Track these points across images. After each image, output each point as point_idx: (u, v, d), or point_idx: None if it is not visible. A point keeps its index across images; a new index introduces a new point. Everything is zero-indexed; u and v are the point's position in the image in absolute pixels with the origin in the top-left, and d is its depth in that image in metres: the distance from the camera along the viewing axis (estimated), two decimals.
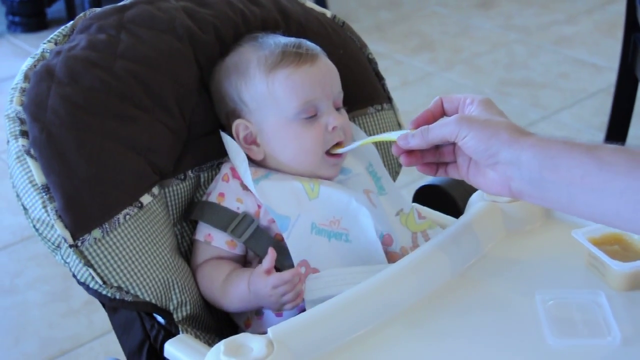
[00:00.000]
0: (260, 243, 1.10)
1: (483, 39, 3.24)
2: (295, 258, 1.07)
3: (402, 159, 1.01)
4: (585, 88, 2.84)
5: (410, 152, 1.01)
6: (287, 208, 1.09)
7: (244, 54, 1.14)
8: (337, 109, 1.14)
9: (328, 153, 1.12)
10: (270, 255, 1.03)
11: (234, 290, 1.08)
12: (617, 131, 2.17)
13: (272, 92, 1.10)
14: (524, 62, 3.05)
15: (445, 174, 1.02)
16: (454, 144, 0.98)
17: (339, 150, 1.12)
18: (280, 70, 1.10)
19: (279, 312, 1.07)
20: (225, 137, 1.14)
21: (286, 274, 1.02)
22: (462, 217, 1.12)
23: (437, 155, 1.02)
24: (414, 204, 1.26)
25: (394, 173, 1.32)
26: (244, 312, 1.12)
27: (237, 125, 1.13)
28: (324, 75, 1.12)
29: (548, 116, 2.68)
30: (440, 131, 0.97)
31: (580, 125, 2.63)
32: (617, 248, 1.03)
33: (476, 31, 3.32)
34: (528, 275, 1.03)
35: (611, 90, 2.30)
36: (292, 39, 1.14)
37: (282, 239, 1.09)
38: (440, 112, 1.03)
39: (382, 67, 1.34)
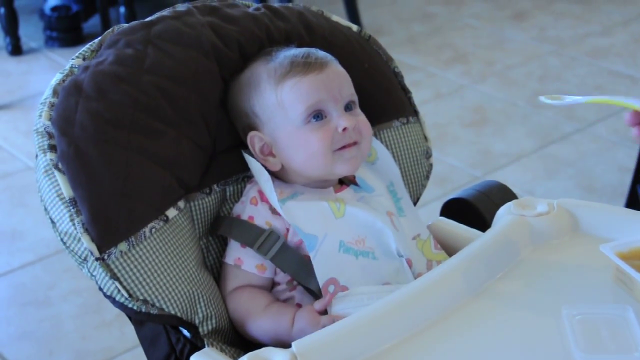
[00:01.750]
0: (287, 260, 1.10)
1: (516, 51, 3.22)
2: (322, 276, 1.07)
3: (635, 131, 0.94)
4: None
5: None
6: (314, 227, 1.09)
7: (255, 69, 1.15)
8: (350, 111, 1.13)
9: (340, 149, 1.11)
10: (327, 299, 1.05)
11: (273, 324, 1.07)
12: None
13: (281, 101, 1.11)
14: (558, 74, 3.03)
15: None
16: None
17: (550, 102, 1.03)
18: (288, 80, 1.11)
19: None
20: (249, 158, 1.15)
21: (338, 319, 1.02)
22: (489, 231, 1.11)
23: None
24: (431, 228, 1.24)
25: (420, 186, 1.31)
26: None
27: (252, 137, 1.14)
28: (331, 80, 1.12)
29: (583, 129, 2.65)
30: None
31: (615, 138, 2.59)
32: None
33: (509, 43, 3.30)
34: (555, 290, 1.02)
35: None
36: (303, 50, 1.15)
37: (308, 257, 1.09)
38: None
39: (415, 79, 1.34)
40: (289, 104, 1.11)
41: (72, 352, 1.89)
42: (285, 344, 1.03)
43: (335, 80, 1.12)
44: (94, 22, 3.41)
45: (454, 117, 2.74)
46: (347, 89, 1.14)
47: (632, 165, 2.23)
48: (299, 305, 1.11)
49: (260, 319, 1.09)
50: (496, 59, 3.17)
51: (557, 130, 2.64)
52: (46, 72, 3.16)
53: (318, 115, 1.11)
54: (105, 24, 3.25)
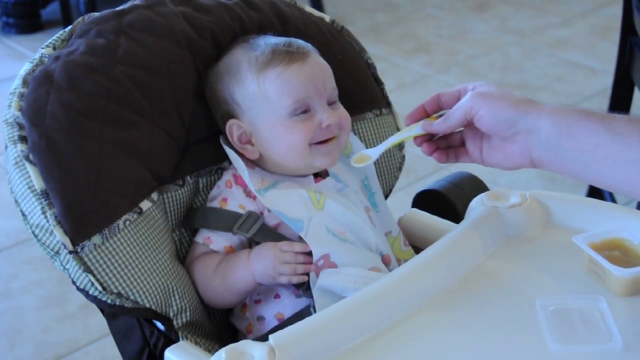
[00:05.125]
0: (269, 237, 1.10)
1: (478, 42, 3.24)
2: (316, 252, 1.07)
3: (423, 148, 1.07)
4: (581, 91, 2.85)
5: (429, 142, 1.07)
6: (298, 212, 1.09)
7: (235, 56, 1.14)
8: (332, 104, 1.13)
9: (318, 143, 1.12)
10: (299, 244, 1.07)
11: (230, 265, 1.08)
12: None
13: (264, 91, 1.10)
14: (520, 64, 3.05)
15: (455, 160, 1.06)
16: (460, 133, 1.04)
17: (361, 165, 1.09)
18: (270, 70, 1.10)
19: (271, 283, 1.08)
20: (227, 149, 1.14)
21: (297, 245, 1.06)
22: (462, 223, 1.12)
23: (447, 141, 1.07)
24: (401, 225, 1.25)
25: (393, 178, 1.32)
26: (245, 317, 1.12)
27: (231, 125, 1.13)
28: (315, 72, 1.11)
29: None
30: (458, 112, 1.00)
31: None
32: (618, 253, 1.02)
33: (472, 34, 3.32)
34: (529, 281, 1.03)
35: (607, 93, 2.30)
36: (283, 38, 1.14)
37: (287, 238, 1.10)
38: (434, 109, 1.07)
39: (379, 69, 1.34)
40: (273, 95, 1.10)
41: (34, 345, 1.86)
42: (249, 289, 1.08)
43: (320, 72, 1.12)
44: (53, 8, 3.35)
45: None
46: (330, 83, 1.13)
47: None
48: (278, 296, 1.11)
49: (218, 269, 1.09)
50: (458, 49, 3.18)
51: None
52: (3, 59, 3.09)
53: (303, 109, 1.10)
54: (65, 11, 3.19)
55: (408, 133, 1.08)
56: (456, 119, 1.01)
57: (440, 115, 1.06)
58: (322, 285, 1.04)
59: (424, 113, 1.07)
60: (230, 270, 1.09)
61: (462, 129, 1.06)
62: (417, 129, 1.06)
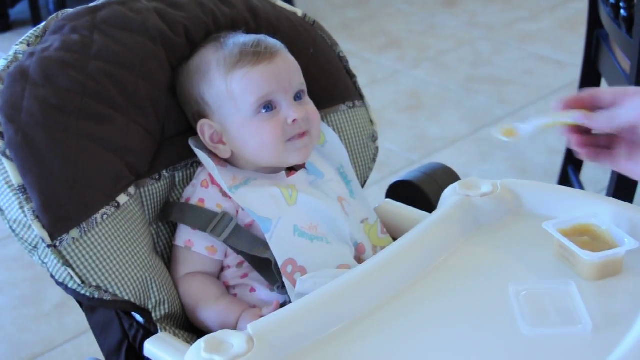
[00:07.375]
0: (241, 240, 1.11)
1: (448, 37, 3.27)
2: (280, 257, 1.08)
3: (573, 139, 1.02)
4: (550, 84, 2.88)
5: (581, 135, 1.01)
6: (268, 211, 1.10)
7: (204, 56, 1.14)
8: (300, 99, 1.14)
9: (291, 139, 1.12)
10: (274, 306, 1.05)
11: (219, 318, 1.08)
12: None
13: (230, 91, 1.11)
14: (489, 59, 3.09)
15: (596, 161, 1.01)
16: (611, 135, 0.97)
17: (509, 139, 1.05)
18: (238, 70, 1.11)
19: None
20: (196, 150, 1.15)
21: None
22: (435, 212, 1.14)
23: (594, 139, 1.01)
24: (379, 211, 1.27)
25: (368, 169, 1.33)
26: None
27: (202, 125, 1.14)
28: (280, 70, 1.12)
29: (514, 112, 2.72)
30: (627, 115, 0.93)
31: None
32: (587, 239, 1.04)
33: (441, 29, 3.35)
34: (501, 268, 1.05)
35: (575, 86, 2.34)
36: (252, 37, 1.14)
37: (259, 239, 1.10)
38: (589, 105, 1.00)
39: (351, 65, 1.36)
40: (239, 95, 1.11)
41: (10, 344, 1.86)
42: None
43: (285, 70, 1.13)
44: (21, 8, 3.32)
45: (389, 102, 2.78)
46: (296, 79, 1.14)
47: (561, 147, 2.30)
48: (254, 290, 1.12)
49: (208, 310, 1.10)
50: (429, 44, 3.21)
51: (489, 114, 2.70)
52: None
53: (268, 106, 1.11)
54: (34, 10, 3.17)
55: (564, 118, 0.99)
56: (623, 121, 0.94)
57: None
58: (300, 293, 1.05)
59: (579, 104, 1.00)
60: (218, 321, 1.08)
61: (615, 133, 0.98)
62: (576, 117, 0.98)
